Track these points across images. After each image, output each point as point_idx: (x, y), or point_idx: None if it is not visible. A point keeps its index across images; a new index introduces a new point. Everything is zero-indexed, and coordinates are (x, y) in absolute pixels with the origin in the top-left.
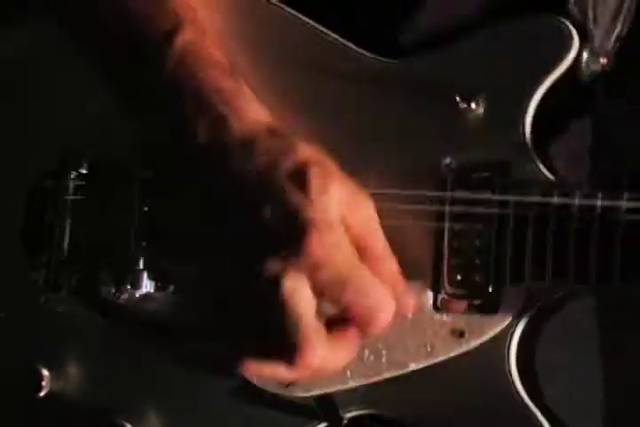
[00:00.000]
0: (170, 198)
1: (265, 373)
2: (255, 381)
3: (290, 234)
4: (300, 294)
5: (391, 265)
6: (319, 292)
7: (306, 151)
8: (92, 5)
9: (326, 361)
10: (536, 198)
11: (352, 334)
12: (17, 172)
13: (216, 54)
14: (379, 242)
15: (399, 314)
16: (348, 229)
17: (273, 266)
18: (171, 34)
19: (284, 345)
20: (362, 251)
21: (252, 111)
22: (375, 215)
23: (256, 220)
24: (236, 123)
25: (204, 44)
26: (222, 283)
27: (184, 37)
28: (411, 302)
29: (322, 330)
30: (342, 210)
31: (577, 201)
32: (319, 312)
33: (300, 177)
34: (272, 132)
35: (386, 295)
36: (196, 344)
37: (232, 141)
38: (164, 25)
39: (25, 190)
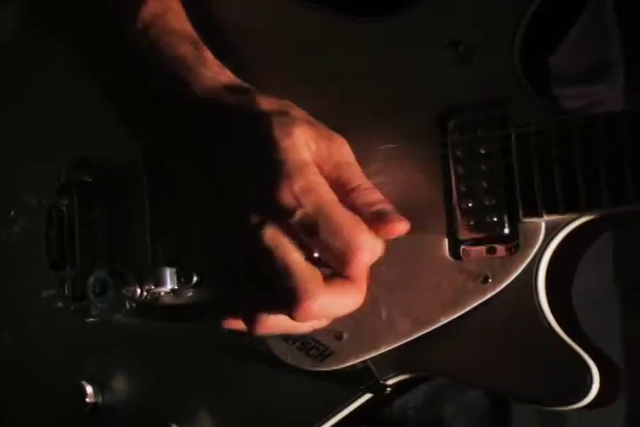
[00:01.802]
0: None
1: (274, 326)
2: (289, 359)
3: (260, 185)
4: (278, 241)
5: (373, 194)
6: (297, 237)
7: (265, 103)
8: None
9: (331, 306)
10: (534, 128)
11: (355, 279)
12: (31, 192)
13: (178, 26)
14: (355, 174)
15: (387, 239)
16: (321, 167)
17: (253, 218)
18: (136, 8)
19: (283, 292)
20: (341, 186)
21: (212, 73)
22: (349, 151)
23: (233, 177)
24: (196, 85)
25: (167, 18)
26: (224, 243)
27: (148, 11)
28: (400, 225)
29: (316, 274)
30: (312, 150)
31: (578, 123)
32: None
33: (261, 128)
34: (231, 89)
35: (358, 234)
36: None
37: (195, 103)
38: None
39: (43, 210)
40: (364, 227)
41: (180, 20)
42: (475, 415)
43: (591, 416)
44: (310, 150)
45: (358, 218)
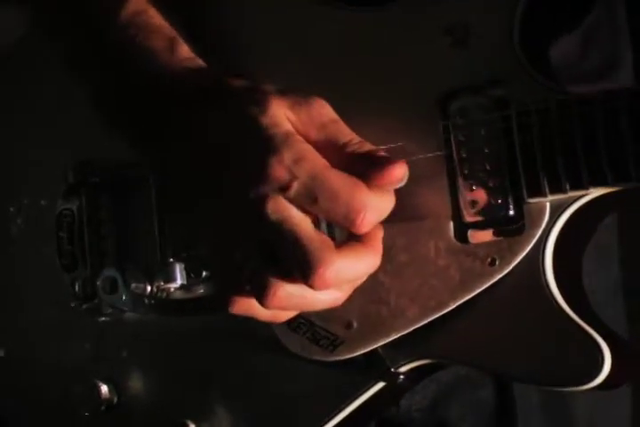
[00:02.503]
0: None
1: (287, 298)
2: (300, 351)
3: (250, 164)
4: (284, 214)
5: (365, 146)
6: (302, 207)
7: (234, 82)
8: None
9: (346, 271)
10: (534, 107)
11: (369, 241)
12: (31, 193)
13: (158, 21)
14: (343, 131)
15: (391, 184)
16: (307, 134)
17: (253, 196)
18: (119, 6)
19: (296, 264)
20: (333, 145)
21: (182, 62)
22: (330, 109)
23: (219, 158)
24: (166, 76)
25: (149, 14)
26: (227, 228)
27: (130, 7)
28: (398, 168)
29: (327, 241)
30: (293, 120)
31: (576, 100)
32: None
33: (235, 109)
34: (200, 74)
35: (357, 193)
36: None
37: (166, 92)
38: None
39: (53, 212)
40: (362, 186)
41: (160, 16)
42: (480, 417)
43: (598, 416)
44: (291, 121)
45: (355, 178)
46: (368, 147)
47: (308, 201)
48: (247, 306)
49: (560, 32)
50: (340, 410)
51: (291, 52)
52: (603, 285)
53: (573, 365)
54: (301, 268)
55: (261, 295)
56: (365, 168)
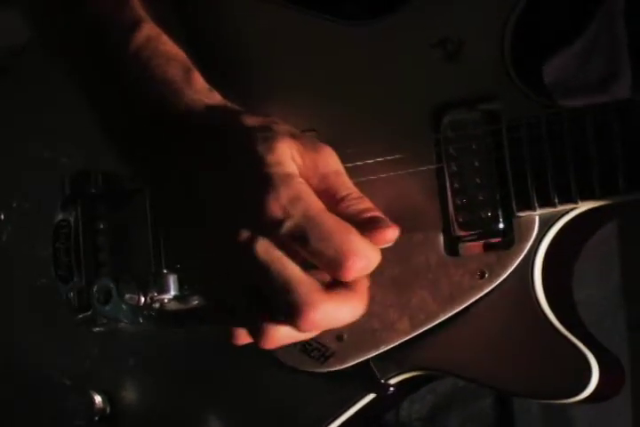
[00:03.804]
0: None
1: (282, 339)
2: (292, 362)
3: (247, 200)
4: (273, 255)
5: (362, 202)
6: (290, 248)
7: (249, 120)
8: (55, 10)
9: (333, 315)
10: (525, 122)
11: (355, 287)
12: (36, 206)
13: (171, 48)
14: (344, 184)
15: (380, 246)
16: (308, 180)
17: (243, 234)
18: (129, 31)
19: (284, 306)
20: (331, 196)
21: (199, 95)
22: (336, 160)
23: (217, 192)
24: (183, 107)
25: (161, 40)
26: (214, 261)
27: (141, 34)
28: (391, 232)
29: (315, 284)
30: (298, 164)
31: (566, 114)
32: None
33: (245, 145)
34: (217, 109)
35: (350, 239)
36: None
37: (182, 123)
38: (122, 24)
39: (49, 222)
40: (355, 232)
41: (173, 43)
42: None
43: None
44: (296, 164)
45: (348, 225)
46: (365, 204)
47: (299, 241)
48: (248, 338)
49: (555, 46)
50: (332, 421)
51: (286, 67)
52: (603, 295)
53: (561, 377)
54: (289, 310)
55: (258, 339)
56: (359, 225)
